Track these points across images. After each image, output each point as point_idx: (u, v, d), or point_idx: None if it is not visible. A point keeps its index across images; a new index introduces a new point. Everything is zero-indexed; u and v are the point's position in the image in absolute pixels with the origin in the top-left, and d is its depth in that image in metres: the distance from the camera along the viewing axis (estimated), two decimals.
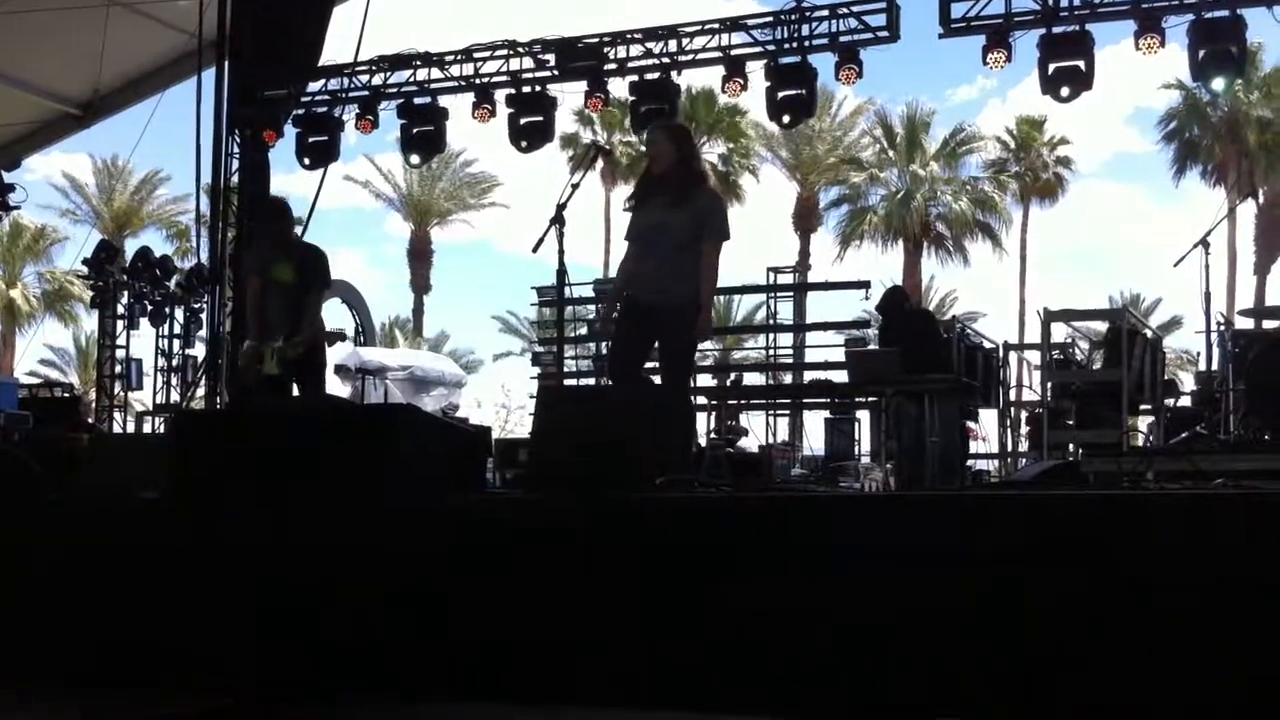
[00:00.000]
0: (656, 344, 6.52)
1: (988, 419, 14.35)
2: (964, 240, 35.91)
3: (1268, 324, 9.50)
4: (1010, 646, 2.96)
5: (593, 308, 15.69)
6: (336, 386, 19.05)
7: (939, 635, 3.00)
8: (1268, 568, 2.82)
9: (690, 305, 6.38)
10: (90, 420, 15.98)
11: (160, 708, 3.19)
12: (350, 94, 13.55)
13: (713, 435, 12.87)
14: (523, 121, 12.89)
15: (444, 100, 13.33)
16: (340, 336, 9.52)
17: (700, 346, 7.60)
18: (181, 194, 37.94)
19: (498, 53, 12.96)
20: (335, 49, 13.66)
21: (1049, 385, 11.31)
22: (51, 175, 40.01)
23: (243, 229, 13.35)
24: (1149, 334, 12.02)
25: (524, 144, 12.97)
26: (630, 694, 3.20)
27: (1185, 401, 11.95)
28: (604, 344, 8.50)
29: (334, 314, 9.12)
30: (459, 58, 13.12)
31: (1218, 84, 11.23)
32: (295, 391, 8.15)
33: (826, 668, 3.06)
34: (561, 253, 6.41)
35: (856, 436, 15.02)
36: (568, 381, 8.24)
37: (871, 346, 14.74)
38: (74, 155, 54.32)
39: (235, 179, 13.50)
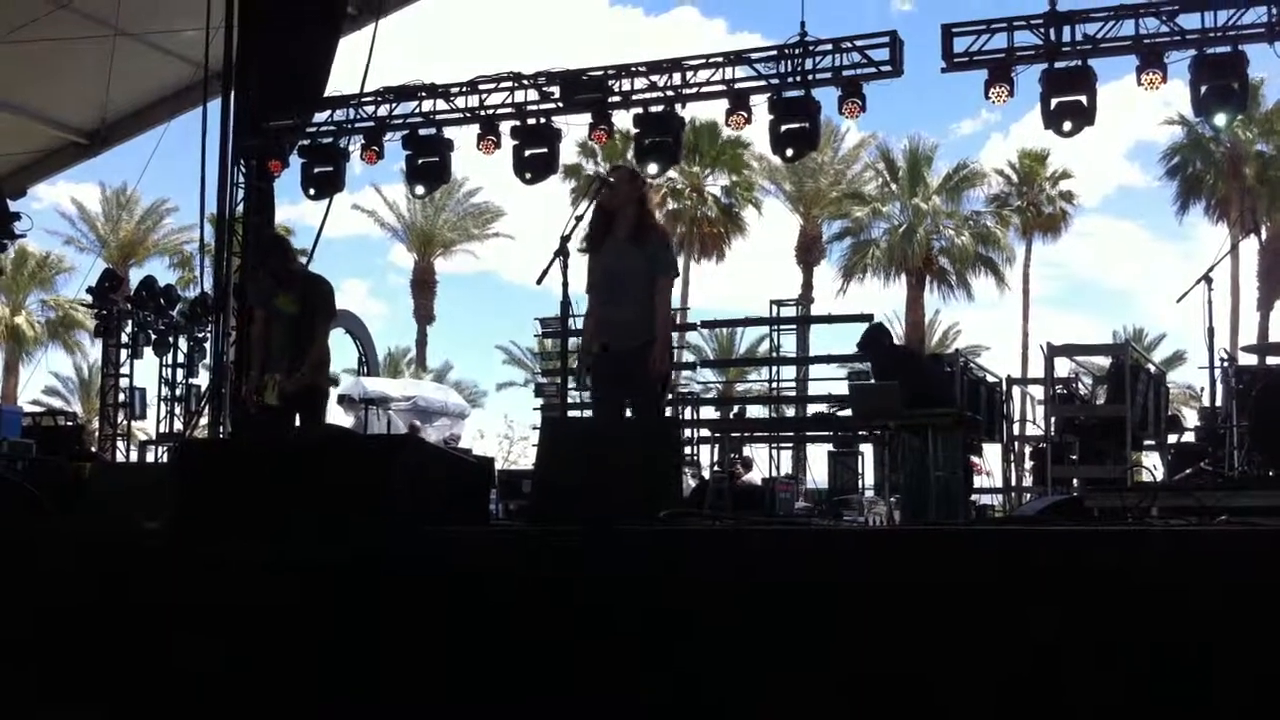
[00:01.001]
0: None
1: (991, 453, 14.34)
2: (966, 274, 35.94)
3: (1271, 360, 9.51)
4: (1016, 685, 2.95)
5: None
6: (340, 416, 19.08)
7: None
8: (1269, 604, 2.81)
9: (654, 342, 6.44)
10: (93, 449, 15.98)
11: None
12: (356, 125, 13.60)
13: (715, 468, 12.86)
14: (527, 153, 12.93)
15: (449, 131, 13.38)
16: (334, 382, 9.50)
17: (703, 379, 7.63)
18: (187, 224, 38.20)
19: (503, 85, 13.01)
20: (341, 80, 13.76)
21: (1052, 420, 11.32)
22: (59, 203, 40.25)
23: (247, 259, 13.38)
24: (1152, 369, 12.04)
25: (528, 175, 13.01)
26: None
27: (1189, 437, 11.95)
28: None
29: (338, 344, 9.21)
30: (464, 89, 13.17)
31: (1220, 119, 11.26)
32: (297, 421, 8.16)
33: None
34: (566, 284, 6.41)
35: (860, 470, 14.99)
36: (571, 413, 8.21)
37: (874, 380, 14.74)
38: (81, 185, 54.61)
39: (240, 209, 13.54)
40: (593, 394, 6.85)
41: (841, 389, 15.21)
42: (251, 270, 12.62)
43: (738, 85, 12.12)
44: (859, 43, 11.51)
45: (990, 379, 13.75)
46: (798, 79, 11.79)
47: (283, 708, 3.59)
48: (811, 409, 15.39)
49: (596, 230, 6.59)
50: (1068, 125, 10.79)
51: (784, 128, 11.87)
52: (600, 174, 7.01)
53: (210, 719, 3.61)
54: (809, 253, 36.26)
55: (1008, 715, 2.91)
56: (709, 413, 17.64)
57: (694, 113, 13.90)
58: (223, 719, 3.60)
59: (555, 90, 12.80)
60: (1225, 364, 9.32)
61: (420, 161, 13.45)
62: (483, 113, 13.05)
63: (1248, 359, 10.09)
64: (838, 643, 3.07)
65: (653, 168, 12.86)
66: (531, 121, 12.91)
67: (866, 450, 14.78)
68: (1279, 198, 32.74)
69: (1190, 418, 14.27)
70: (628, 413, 6.63)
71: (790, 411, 17.03)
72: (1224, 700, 2.78)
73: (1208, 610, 2.83)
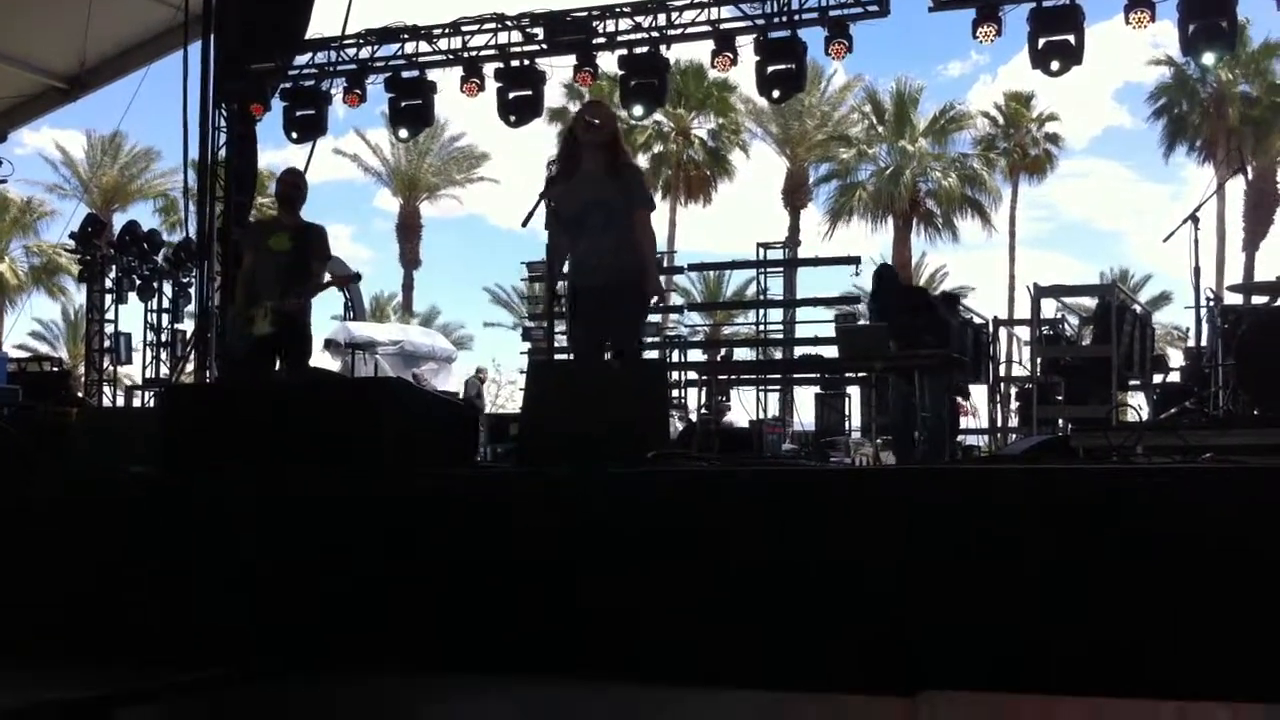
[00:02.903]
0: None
1: (978, 394, 14.37)
2: (953, 216, 35.91)
3: (1257, 299, 9.51)
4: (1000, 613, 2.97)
5: None
6: (327, 361, 19.07)
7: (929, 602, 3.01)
8: (1256, 542, 2.83)
9: (637, 275, 6.39)
10: (79, 394, 15.95)
11: (162, 678, 3.19)
12: (338, 67, 13.50)
13: (703, 410, 12.88)
14: (511, 96, 12.86)
15: (432, 74, 13.30)
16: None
17: (690, 322, 7.64)
18: (171, 169, 37.89)
19: (486, 26, 12.92)
20: (322, 22, 13.62)
21: (1038, 361, 11.33)
22: (44, 148, 39.95)
23: (230, 203, 13.31)
24: (1138, 309, 12.04)
25: (513, 118, 12.94)
26: (627, 667, 3.20)
27: (1174, 377, 11.99)
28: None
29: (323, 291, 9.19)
30: (446, 31, 13.07)
31: (1208, 58, 11.24)
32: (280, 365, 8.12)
33: (830, 631, 3.07)
34: (550, 227, 6.38)
35: (847, 412, 15.05)
36: (558, 356, 8.19)
37: (862, 322, 14.77)
38: (66, 130, 54.09)
39: (223, 153, 13.44)
40: (570, 331, 6.80)
41: (829, 331, 15.23)
42: (242, 210, 12.63)
43: (723, 26, 12.05)
44: None
45: (977, 320, 13.77)
46: (784, 19, 11.72)
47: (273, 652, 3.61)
48: (799, 351, 15.41)
49: (567, 163, 6.54)
50: (1055, 65, 10.75)
51: (770, 69, 11.82)
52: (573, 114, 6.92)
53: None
54: (796, 195, 36.15)
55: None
56: (696, 355, 17.68)
57: (679, 54, 13.82)
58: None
59: (539, 31, 12.71)
60: (1211, 304, 9.31)
61: (403, 104, 13.38)
62: (466, 55, 12.96)
63: (1233, 298, 10.09)
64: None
65: (638, 110, 12.80)
66: (515, 64, 12.83)
67: (853, 392, 14.85)
68: (1264, 138, 32.72)
69: (1176, 358, 14.35)
70: (607, 349, 6.61)
71: (778, 354, 17.06)
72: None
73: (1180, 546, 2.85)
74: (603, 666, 3.20)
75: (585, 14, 12.46)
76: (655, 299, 6.73)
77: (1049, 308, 12.26)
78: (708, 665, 3.13)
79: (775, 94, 12.22)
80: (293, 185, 8.35)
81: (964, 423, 13.31)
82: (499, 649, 3.36)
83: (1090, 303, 13.64)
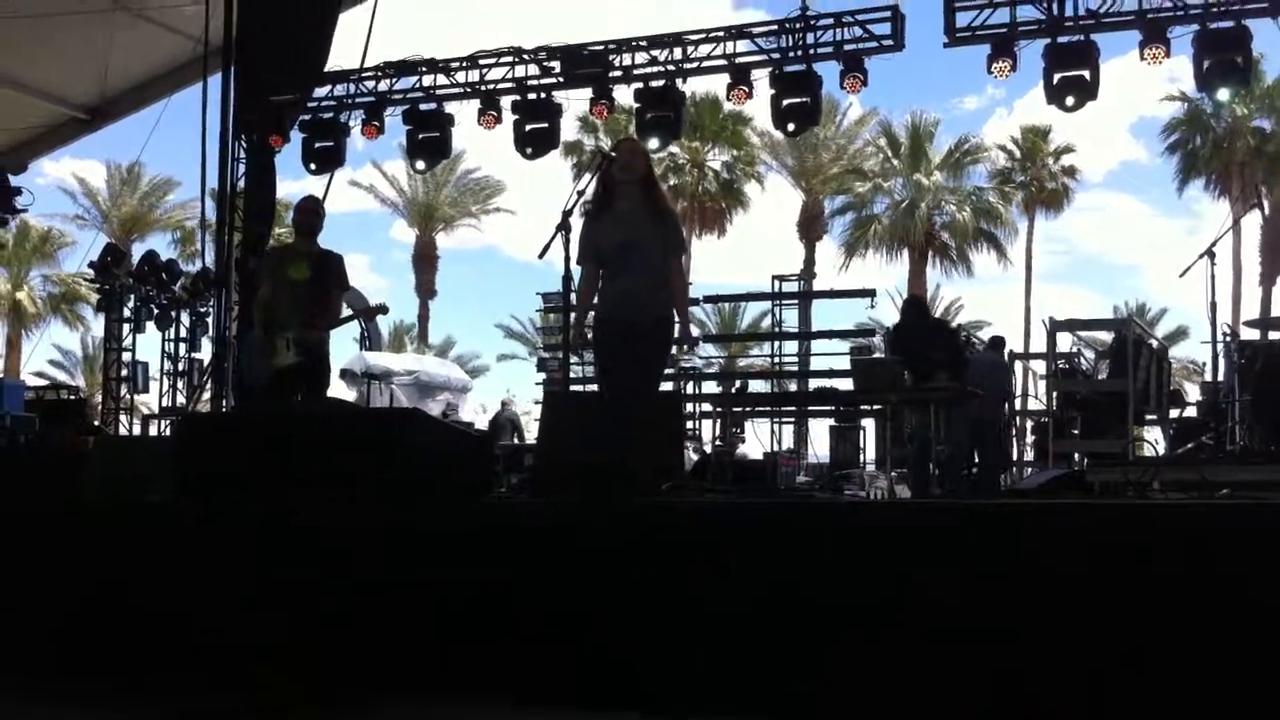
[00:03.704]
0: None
1: None
2: (968, 250, 35.87)
3: (1273, 335, 9.49)
4: (1012, 653, 2.96)
5: None
6: (343, 391, 19.11)
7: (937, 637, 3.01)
8: (1271, 578, 2.82)
9: (669, 318, 6.44)
10: (96, 423, 16.00)
11: (173, 704, 3.20)
12: (356, 100, 13.58)
13: (718, 442, 12.86)
14: (528, 128, 12.92)
15: (449, 106, 13.37)
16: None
17: (705, 354, 7.70)
18: (189, 199, 38.06)
19: (503, 59, 12.99)
20: (341, 55, 13.71)
21: (1054, 395, 11.31)
22: (63, 179, 40.21)
23: (249, 233, 13.38)
24: (1154, 344, 12.03)
25: (529, 150, 13.00)
26: (631, 697, 3.20)
27: (1191, 412, 11.95)
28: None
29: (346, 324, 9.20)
30: (464, 64, 13.15)
31: (1222, 94, 11.25)
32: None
33: (839, 669, 3.07)
34: (568, 259, 6.40)
35: (861, 444, 15.01)
36: (573, 387, 8.21)
37: (877, 355, 14.76)
38: (85, 161, 54.51)
39: (241, 184, 13.52)
40: (598, 365, 6.81)
41: (843, 364, 15.21)
42: (260, 240, 12.68)
43: (739, 60, 12.10)
44: (860, 16, 11.49)
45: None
46: (799, 53, 11.77)
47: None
48: (813, 383, 15.38)
49: (601, 201, 6.57)
50: (1070, 100, 10.77)
51: (785, 102, 11.86)
52: (602, 149, 6.95)
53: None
54: (811, 228, 36.15)
55: None
56: (711, 387, 17.66)
57: (695, 87, 13.85)
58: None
59: (556, 65, 12.78)
60: (1227, 339, 9.30)
61: (421, 136, 13.45)
62: (483, 88, 13.04)
63: (1250, 334, 10.06)
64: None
65: (654, 142, 12.84)
66: (532, 96, 12.89)
67: (868, 425, 14.82)
68: (1278, 173, 32.63)
69: (1192, 392, 14.30)
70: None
71: (793, 386, 17.02)
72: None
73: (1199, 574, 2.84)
74: (618, 696, 3.20)
75: (601, 47, 12.52)
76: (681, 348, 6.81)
77: (1065, 342, 12.25)
78: (724, 691, 3.13)
79: (790, 127, 12.25)
80: (311, 212, 8.37)
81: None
82: (510, 678, 3.36)
83: (1106, 337, 13.59)
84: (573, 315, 6.79)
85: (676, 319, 6.50)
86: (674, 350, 6.74)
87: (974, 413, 11.54)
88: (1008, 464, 11.77)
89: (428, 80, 13.36)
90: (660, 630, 3.25)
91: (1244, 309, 31.06)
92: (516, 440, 18.04)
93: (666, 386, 14.37)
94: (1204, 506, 3.29)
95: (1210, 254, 8.37)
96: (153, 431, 17.37)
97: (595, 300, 6.66)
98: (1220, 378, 9.19)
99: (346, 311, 8.45)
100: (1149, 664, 2.85)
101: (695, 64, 12.29)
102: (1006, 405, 12.01)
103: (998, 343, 13.14)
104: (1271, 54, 26.10)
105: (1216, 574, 2.85)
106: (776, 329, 18.45)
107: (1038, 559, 2.99)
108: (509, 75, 13.01)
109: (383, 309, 9.51)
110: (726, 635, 3.18)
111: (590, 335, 6.68)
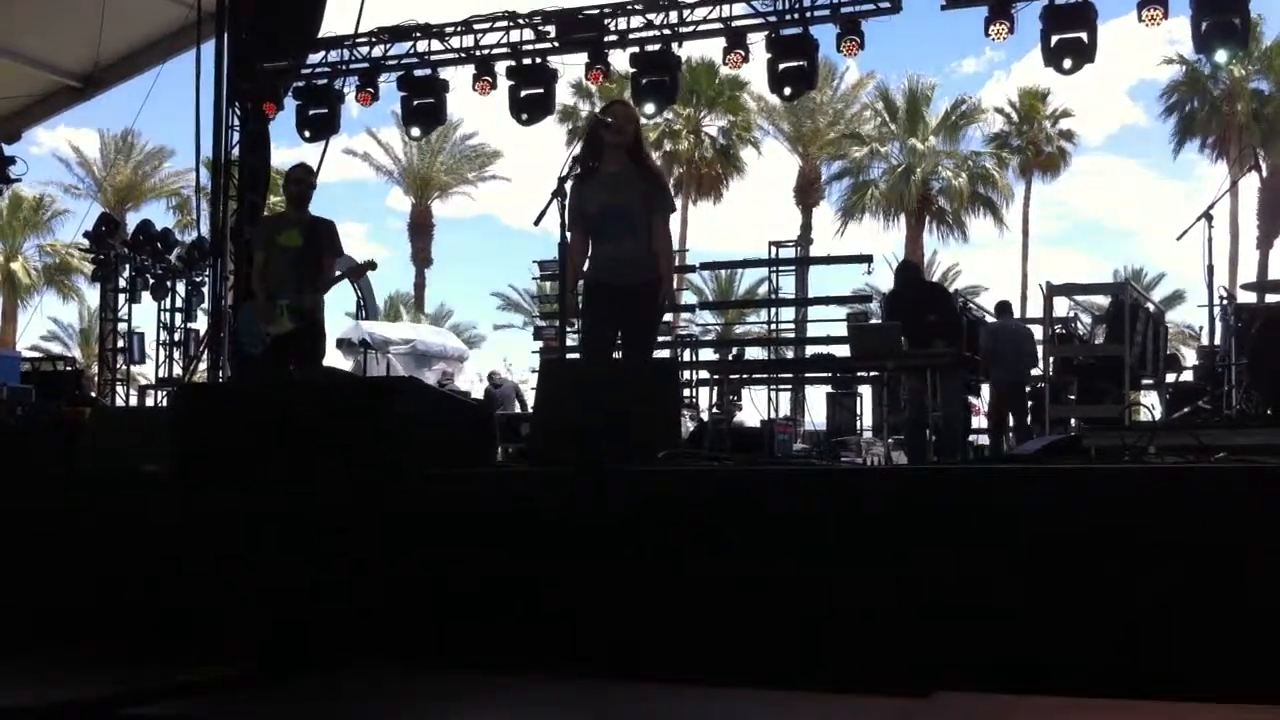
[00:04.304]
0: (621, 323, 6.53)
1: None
2: (964, 215, 35.86)
3: (1270, 298, 9.49)
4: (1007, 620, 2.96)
5: None
6: (339, 360, 19.10)
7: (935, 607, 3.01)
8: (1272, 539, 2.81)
9: (654, 280, 6.45)
10: (93, 394, 16.00)
11: (166, 677, 3.20)
12: (350, 66, 13.52)
13: (715, 410, 12.88)
14: (523, 94, 12.87)
15: (444, 72, 13.30)
16: (371, 265, 9.50)
17: (702, 321, 7.67)
18: (184, 168, 37.93)
19: (498, 24, 12.92)
20: (335, 21, 13.64)
21: (1051, 360, 11.31)
22: (58, 148, 40.09)
23: (244, 201, 13.34)
24: (1151, 308, 12.02)
25: (524, 116, 12.94)
26: (630, 666, 3.20)
27: (1187, 376, 11.95)
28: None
29: (336, 288, 9.13)
30: (459, 29, 13.08)
31: (1220, 55, 11.21)
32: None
33: (834, 639, 3.07)
34: (563, 225, 6.37)
35: (858, 411, 15.03)
36: (570, 355, 8.19)
37: (874, 321, 14.75)
38: (80, 130, 54.25)
39: (236, 151, 13.47)
40: (585, 327, 6.80)
41: (840, 330, 15.22)
42: (253, 209, 12.65)
43: (735, 23, 12.03)
44: None
45: (989, 319, 13.74)
46: (796, 16, 11.71)
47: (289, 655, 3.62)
48: (810, 350, 15.40)
49: (590, 162, 6.55)
50: (1068, 63, 10.73)
51: (782, 66, 11.80)
52: (598, 114, 6.89)
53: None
54: (808, 193, 36.13)
55: None
56: (707, 354, 17.67)
57: (691, 52, 13.78)
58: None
59: (551, 29, 12.72)
60: (1224, 302, 9.29)
61: (415, 103, 13.39)
62: (478, 53, 12.97)
63: (1247, 297, 10.06)
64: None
65: (650, 107, 12.80)
66: (527, 62, 12.83)
67: (865, 391, 14.83)
68: (1276, 135, 32.59)
69: (1189, 356, 14.31)
70: (617, 347, 6.63)
71: (789, 353, 17.04)
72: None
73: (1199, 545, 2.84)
74: (609, 665, 3.20)
75: (597, 11, 12.45)
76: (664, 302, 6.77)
77: (1061, 306, 12.25)
78: (718, 663, 3.13)
79: (787, 91, 12.21)
80: (302, 181, 8.39)
81: (976, 422, 13.29)
82: (503, 647, 3.37)
83: (1103, 301, 13.60)
84: (566, 288, 6.78)
85: (661, 281, 6.50)
86: (660, 310, 6.71)
87: (1009, 376, 11.66)
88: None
89: (422, 46, 13.29)
90: (654, 599, 3.25)
91: (1241, 272, 31.11)
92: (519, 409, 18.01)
93: (663, 353, 14.41)
94: (1199, 469, 3.29)
95: (1208, 217, 8.36)
96: (149, 402, 17.38)
97: (585, 265, 6.65)
98: (1217, 342, 9.19)
99: (337, 273, 8.48)
100: (1143, 637, 2.85)
101: (691, 28, 12.23)
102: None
103: (1006, 308, 13.18)
104: (1270, 15, 26.07)
105: (1212, 542, 2.85)
106: (773, 295, 18.46)
107: (1033, 526, 2.99)
108: (503, 40, 12.94)
109: (371, 265, 9.57)
110: (723, 604, 3.18)
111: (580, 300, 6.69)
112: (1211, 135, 33.83)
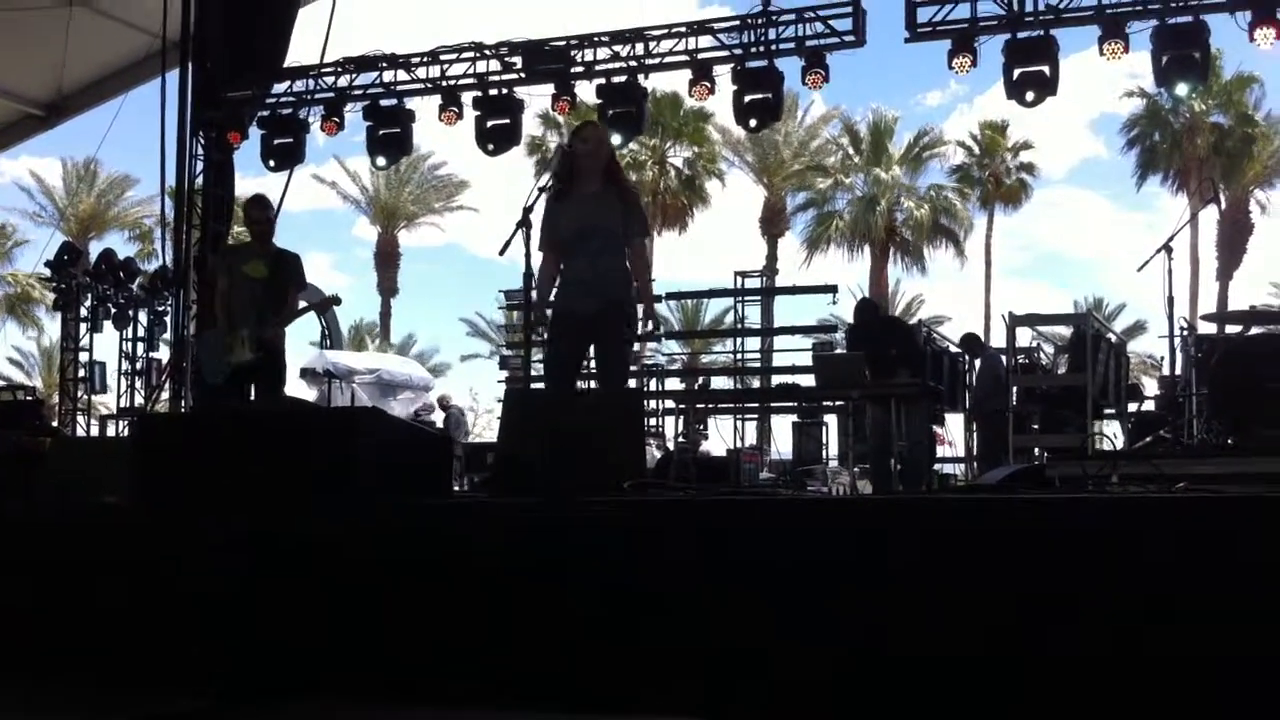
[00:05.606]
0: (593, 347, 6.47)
1: (954, 423, 14.42)
2: (925, 247, 36.10)
3: (1230, 329, 9.57)
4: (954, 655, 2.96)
5: None
6: (303, 390, 19.00)
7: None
8: (1230, 570, 2.83)
9: (629, 304, 6.39)
10: (53, 424, 15.84)
11: (135, 708, 3.17)
12: (316, 95, 13.48)
13: (680, 439, 12.88)
14: (489, 124, 12.86)
15: (410, 102, 13.28)
16: (335, 301, 9.53)
17: (668, 350, 7.64)
18: (147, 196, 37.72)
19: (464, 55, 12.92)
20: (300, 50, 13.60)
21: (1014, 389, 11.38)
22: (20, 177, 39.79)
23: (207, 231, 13.27)
24: (1113, 339, 12.13)
25: (490, 147, 12.93)
26: (602, 698, 3.19)
27: (1149, 406, 12.05)
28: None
29: (301, 318, 9.04)
30: (425, 60, 13.07)
31: (1181, 89, 11.32)
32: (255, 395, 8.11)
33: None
34: (529, 255, 6.34)
35: (824, 441, 15.06)
36: (535, 385, 8.16)
37: (839, 351, 14.81)
38: (43, 159, 53.88)
39: (200, 181, 13.40)
40: (550, 348, 6.70)
41: (806, 360, 15.27)
42: (216, 237, 12.59)
43: (701, 55, 12.08)
44: (822, 12, 11.49)
45: (953, 349, 13.84)
46: (761, 49, 11.76)
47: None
48: (776, 380, 15.42)
49: (564, 183, 6.50)
50: (1030, 95, 10.82)
51: (747, 98, 11.85)
52: (563, 145, 6.86)
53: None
54: (773, 224, 36.29)
55: None
56: (673, 384, 17.67)
57: (657, 84, 13.80)
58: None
59: (517, 60, 12.73)
60: (1185, 333, 9.38)
61: (381, 133, 13.35)
62: (444, 83, 12.96)
63: (1207, 328, 10.15)
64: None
65: (616, 139, 12.80)
66: (494, 92, 12.83)
67: (831, 421, 14.87)
68: (1236, 169, 33.01)
69: (1150, 386, 14.41)
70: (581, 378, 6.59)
71: (755, 382, 17.06)
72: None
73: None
74: (569, 699, 3.19)
75: (563, 43, 12.48)
76: (645, 327, 6.69)
77: (1024, 336, 12.34)
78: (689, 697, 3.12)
79: (752, 123, 12.25)
80: (260, 221, 8.37)
81: (941, 452, 13.35)
82: (474, 679, 3.34)
83: (1066, 332, 13.69)
84: (533, 312, 6.71)
85: (639, 302, 6.46)
86: (638, 331, 6.61)
87: (999, 405, 11.67)
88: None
89: (388, 76, 13.27)
90: (620, 625, 3.24)
91: (1202, 303, 31.38)
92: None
93: (629, 383, 14.40)
94: (1160, 499, 3.31)
95: (1168, 249, 8.43)
96: (110, 432, 17.22)
97: (552, 293, 6.61)
98: (1178, 372, 9.26)
99: (302, 304, 8.46)
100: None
101: (658, 60, 12.26)
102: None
103: (975, 340, 13.29)
104: (1228, 50, 26.40)
105: (1175, 566, 2.87)
106: (739, 325, 18.49)
107: (1000, 554, 3.00)
108: (470, 71, 12.94)
109: (335, 300, 9.57)
110: (687, 630, 3.17)
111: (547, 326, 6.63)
112: (1173, 168, 34.20)
